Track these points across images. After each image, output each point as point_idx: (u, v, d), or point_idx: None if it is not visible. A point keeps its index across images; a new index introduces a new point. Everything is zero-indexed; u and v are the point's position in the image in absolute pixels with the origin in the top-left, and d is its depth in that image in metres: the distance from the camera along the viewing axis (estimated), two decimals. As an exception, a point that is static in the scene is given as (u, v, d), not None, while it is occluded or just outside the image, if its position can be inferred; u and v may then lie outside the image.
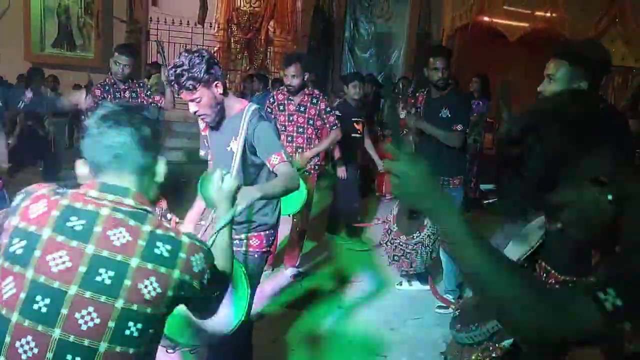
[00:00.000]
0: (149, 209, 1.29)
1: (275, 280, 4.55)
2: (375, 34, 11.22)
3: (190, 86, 2.29)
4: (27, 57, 10.47)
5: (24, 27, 10.41)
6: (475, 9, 9.42)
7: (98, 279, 1.16)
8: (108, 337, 1.16)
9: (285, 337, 3.63)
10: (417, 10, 10.64)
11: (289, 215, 4.48)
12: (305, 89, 4.45)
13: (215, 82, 2.37)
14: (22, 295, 1.14)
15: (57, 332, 1.14)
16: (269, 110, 4.49)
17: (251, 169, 2.52)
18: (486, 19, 9.77)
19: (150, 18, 11.08)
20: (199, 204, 2.74)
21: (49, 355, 1.13)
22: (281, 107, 4.46)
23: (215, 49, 11.08)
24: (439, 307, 4.01)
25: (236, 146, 2.44)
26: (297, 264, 4.68)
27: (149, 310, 1.20)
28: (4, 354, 1.15)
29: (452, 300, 3.92)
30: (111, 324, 1.16)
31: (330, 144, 4.69)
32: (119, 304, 1.17)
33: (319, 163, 4.60)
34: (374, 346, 3.61)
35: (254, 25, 11.89)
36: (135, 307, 1.19)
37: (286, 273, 4.62)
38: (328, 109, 4.51)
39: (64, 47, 10.90)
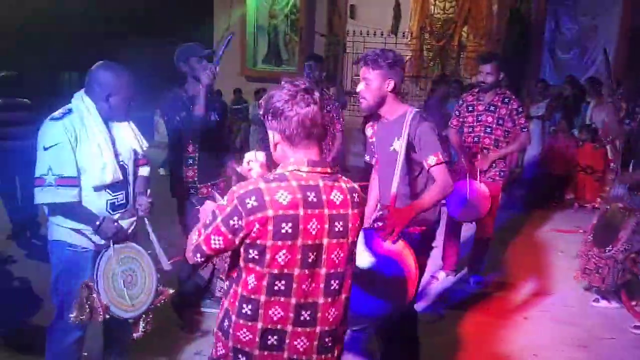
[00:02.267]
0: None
1: (458, 286, 4.56)
2: (579, 32, 10.38)
3: (370, 63, 2.60)
4: (242, 72, 11.84)
5: (240, 45, 11.78)
6: None
7: (336, 229, 1.67)
8: (347, 262, 1.72)
9: (466, 343, 3.64)
10: (630, 1, 9.59)
11: (472, 222, 4.47)
12: (497, 89, 4.34)
13: (389, 80, 2.61)
14: (298, 257, 1.62)
15: (323, 270, 1.67)
16: (456, 112, 4.49)
17: (414, 167, 2.69)
18: None
19: (347, 31, 11.71)
20: (374, 199, 2.98)
21: (322, 285, 1.68)
22: (470, 108, 4.40)
23: (408, 57, 11.30)
24: (635, 327, 3.65)
25: (399, 146, 2.63)
26: (481, 271, 4.62)
27: (356, 239, 1.77)
28: (293, 294, 1.64)
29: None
30: (347, 254, 1.71)
31: (519, 148, 4.50)
32: (349, 240, 1.71)
33: (505, 169, 4.45)
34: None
35: (447, 32, 11.86)
36: (356, 239, 1.75)
37: (469, 280, 4.59)
38: (520, 109, 4.32)
39: (272, 62, 12.08)
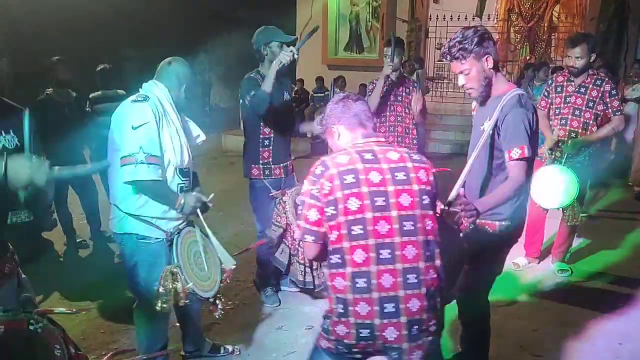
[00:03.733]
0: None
1: (540, 272, 4.44)
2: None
3: (460, 56, 2.39)
4: (324, 60, 11.97)
5: (322, 34, 11.89)
6: None
7: (397, 178, 1.91)
8: (418, 206, 1.91)
9: (544, 329, 3.57)
10: None
11: (558, 208, 4.31)
12: (590, 70, 4.13)
13: (486, 57, 2.42)
14: (367, 202, 1.87)
15: (394, 213, 1.88)
16: (545, 93, 4.33)
17: (497, 152, 2.50)
18: None
19: (430, 16, 11.51)
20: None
21: (396, 226, 1.87)
22: (558, 89, 4.21)
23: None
24: None
25: (487, 127, 2.44)
26: (564, 259, 4.47)
27: (426, 188, 1.95)
28: (370, 235, 1.85)
29: None
30: (416, 199, 1.92)
31: (611, 133, 4.24)
32: (414, 187, 1.92)
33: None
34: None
35: (536, 13, 11.38)
36: (423, 186, 1.94)
37: (552, 267, 4.47)
38: (614, 91, 4.08)
39: (353, 50, 12.11)
